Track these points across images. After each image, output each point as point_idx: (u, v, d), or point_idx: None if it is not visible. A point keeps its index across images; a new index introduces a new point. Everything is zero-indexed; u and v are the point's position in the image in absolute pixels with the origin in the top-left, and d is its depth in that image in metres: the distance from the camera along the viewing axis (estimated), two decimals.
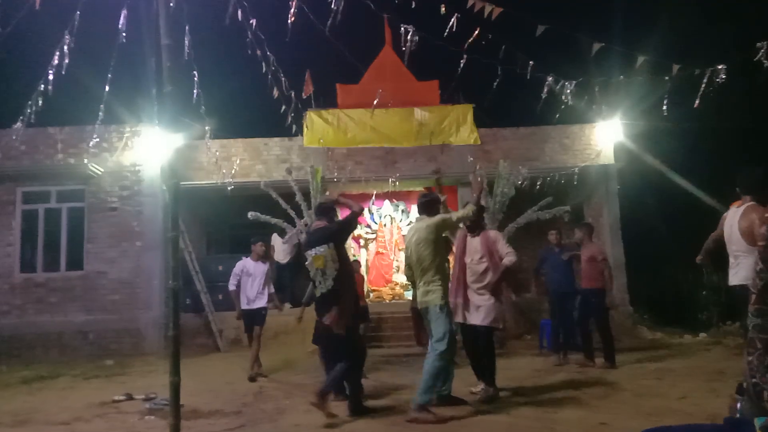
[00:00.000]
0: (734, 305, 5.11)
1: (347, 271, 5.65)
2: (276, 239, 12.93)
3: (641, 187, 14.75)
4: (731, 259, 4.91)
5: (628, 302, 12.98)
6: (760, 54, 5.92)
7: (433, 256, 5.49)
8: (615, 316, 12.58)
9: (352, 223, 5.90)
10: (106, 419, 5.89)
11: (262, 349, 8.56)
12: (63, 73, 6.07)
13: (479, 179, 6.37)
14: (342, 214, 8.40)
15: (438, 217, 5.59)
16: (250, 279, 8.30)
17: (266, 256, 8.95)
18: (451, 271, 6.22)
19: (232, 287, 8.30)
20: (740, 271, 4.79)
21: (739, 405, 4.01)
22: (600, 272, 8.12)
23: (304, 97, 12.93)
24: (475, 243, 6.14)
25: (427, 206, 5.77)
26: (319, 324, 5.85)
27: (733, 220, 4.83)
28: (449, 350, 5.35)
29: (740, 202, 4.85)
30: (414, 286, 5.83)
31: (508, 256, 5.94)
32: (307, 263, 5.59)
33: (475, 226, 6.22)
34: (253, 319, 8.30)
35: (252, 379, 7.97)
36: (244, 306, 8.25)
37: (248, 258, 8.50)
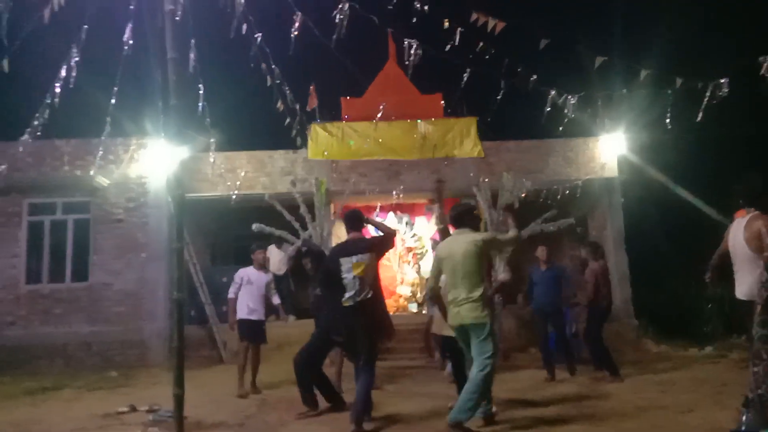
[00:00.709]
0: (739, 318, 5.06)
1: (380, 283, 5.79)
2: (272, 250, 12.92)
3: (645, 199, 14.74)
4: (736, 272, 4.87)
5: (633, 315, 12.93)
6: (765, 68, 5.95)
7: (481, 271, 5.38)
8: (619, 329, 12.56)
9: (392, 239, 6.07)
10: (109, 431, 5.89)
11: (265, 361, 8.50)
12: (70, 86, 6.14)
13: (439, 186, 6.34)
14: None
15: (490, 234, 5.57)
16: (251, 288, 8.18)
17: (266, 265, 8.90)
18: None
19: (231, 295, 8.18)
20: (745, 284, 4.76)
21: (744, 418, 4.00)
22: (597, 287, 8.20)
23: (309, 110, 13.03)
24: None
25: (467, 217, 5.66)
26: (342, 329, 5.74)
27: (737, 230, 4.83)
28: (494, 368, 5.23)
29: (744, 212, 4.86)
30: (434, 299, 5.62)
31: (505, 272, 5.86)
32: (343, 269, 5.56)
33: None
34: (253, 330, 8.14)
35: (243, 396, 7.67)
36: (243, 315, 8.10)
37: (250, 267, 8.47)
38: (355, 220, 6.01)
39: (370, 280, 5.59)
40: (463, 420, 4.96)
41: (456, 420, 4.95)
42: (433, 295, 5.71)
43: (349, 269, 5.56)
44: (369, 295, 5.55)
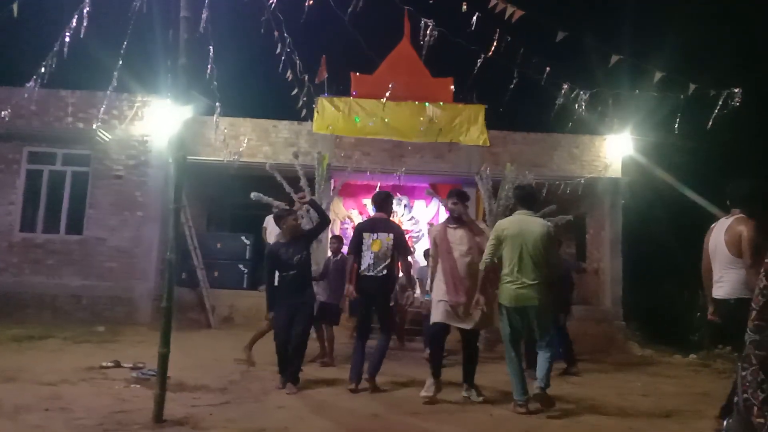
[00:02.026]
0: (722, 328, 5.07)
1: (395, 264, 6.38)
2: (270, 220, 12.86)
3: (647, 203, 14.72)
4: (715, 273, 4.87)
5: (621, 317, 12.99)
6: None
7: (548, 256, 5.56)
8: (606, 330, 12.62)
9: (323, 226, 6.84)
10: (92, 384, 5.91)
11: (252, 330, 8.47)
12: (80, 36, 6.07)
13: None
14: None
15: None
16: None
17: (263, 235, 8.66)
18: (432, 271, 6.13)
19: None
20: (725, 285, 4.78)
21: (725, 423, 4.02)
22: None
23: (317, 82, 12.93)
24: (459, 235, 5.94)
25: (533, 200, 5.92)
26: (362, 299, 6.42)
27: (719, 232, 4.83)
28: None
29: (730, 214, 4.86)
30: (490, 275, 5.65)
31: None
32: (364, 244, 6.30)
33: (460, 217, 6.00)
34: None
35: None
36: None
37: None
38: (382, 201, 6.62)
39: (385, 258, 6.22)
40: (546, 387, 5.44)
41: (542, 387, 5.42)
42: (490, 270, 5.71)
43: (369, 245, 6.26)
44: (383, 272, 6.21)
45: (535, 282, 5.41)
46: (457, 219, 6.00)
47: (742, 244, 4.59)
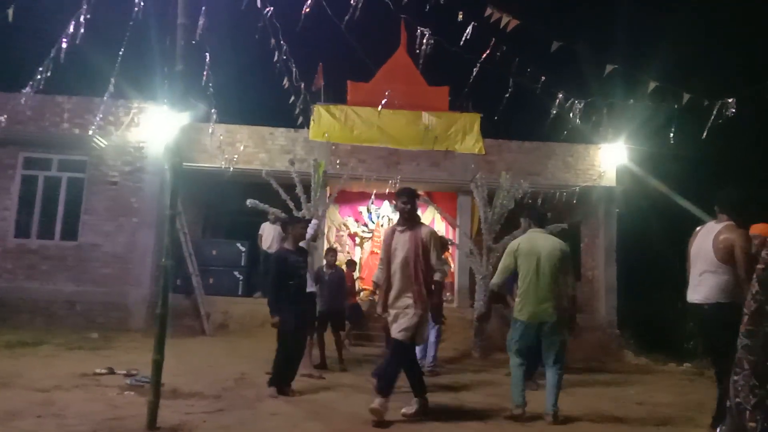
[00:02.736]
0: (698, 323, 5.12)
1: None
2: (266, 227, 12.86)
3: (641, 211, 14.77)
4: (694, 277, 4.87)
5: (616, 325, 13.01)
6: None
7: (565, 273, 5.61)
8: (601, 338, 12.64)
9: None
10: (85, 390, 5.89)
11: (250, 337, 8.49)
12: (77, 42, 6.08)
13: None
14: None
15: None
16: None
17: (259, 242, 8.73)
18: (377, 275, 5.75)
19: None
20: (702, 289, 4.78)
21: (718, 430, 4.04)
22: None
23: (314, 89, 12.96)
24: (404, 239, 5.50)
25: (545, 219, 6.02)
26: None
27: (706, 237, 4.84)
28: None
29: (716, 221, 4.89)
30: (496, 294, 5.63)
31: (439, 271, 5.49)
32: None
33: (411, 218, 5.59)
34: None
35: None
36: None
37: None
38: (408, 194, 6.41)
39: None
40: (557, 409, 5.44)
41: (554, 411, 5.40)
42: (498, 290, 5.76)
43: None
44: None
45: (553, 299, 5.45)
46: (406, 221, 5.58)
47: (735, 252, 4.61)
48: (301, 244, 6.74)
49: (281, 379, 6.24)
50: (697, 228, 5.06)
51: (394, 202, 15.42)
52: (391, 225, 6.12)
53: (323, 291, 8.37)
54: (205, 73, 6.70)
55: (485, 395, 6.81)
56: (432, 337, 8.21)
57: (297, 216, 7.85)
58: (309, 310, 6.43)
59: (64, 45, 6.08)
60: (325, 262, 8.97)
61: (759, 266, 2.71)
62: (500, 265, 5.74)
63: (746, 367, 2.63)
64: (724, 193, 4.91)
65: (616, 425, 5.58)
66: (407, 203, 5.53)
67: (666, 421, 5.83)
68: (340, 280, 8.71)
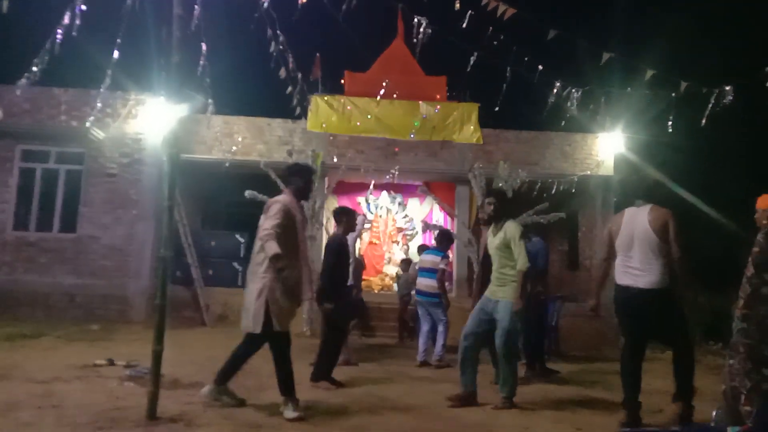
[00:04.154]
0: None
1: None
2: None
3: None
4: (635, 261, 4.84)
5: (613, 313, 13.02)
6: None
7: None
8: (598, 327, 12.66)
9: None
10: (85, 382, 5.91)
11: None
12: (73, 34, 6.05)
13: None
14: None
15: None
16: None
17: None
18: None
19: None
20: (648, 275, 4.79)
21: (714, 414, 4.08)
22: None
23: (311, 80, 12.92)
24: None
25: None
26: None
27: (634, 221, 4.86)
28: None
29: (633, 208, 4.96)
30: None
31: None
32: None
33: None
34: None
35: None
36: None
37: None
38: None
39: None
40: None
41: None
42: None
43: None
44: None
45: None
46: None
47: (669, 225, 4.69)
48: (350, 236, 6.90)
49: (331, 369, 6.34)
50: (617, 215, 5.12)
51: (392, 192, 15.55)
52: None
53: None
54: (201, 64, 6.69)
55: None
56: (441, 328, 8.31)
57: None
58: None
59: (60, 36, 6.06)
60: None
61: (754, 249, 2.73)
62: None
63: (741, 351, 2.65)
64: (635, 182, 5.10)
65: (612, 413, 5.61)
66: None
67: (663, 409, 5.87)
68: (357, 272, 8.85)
